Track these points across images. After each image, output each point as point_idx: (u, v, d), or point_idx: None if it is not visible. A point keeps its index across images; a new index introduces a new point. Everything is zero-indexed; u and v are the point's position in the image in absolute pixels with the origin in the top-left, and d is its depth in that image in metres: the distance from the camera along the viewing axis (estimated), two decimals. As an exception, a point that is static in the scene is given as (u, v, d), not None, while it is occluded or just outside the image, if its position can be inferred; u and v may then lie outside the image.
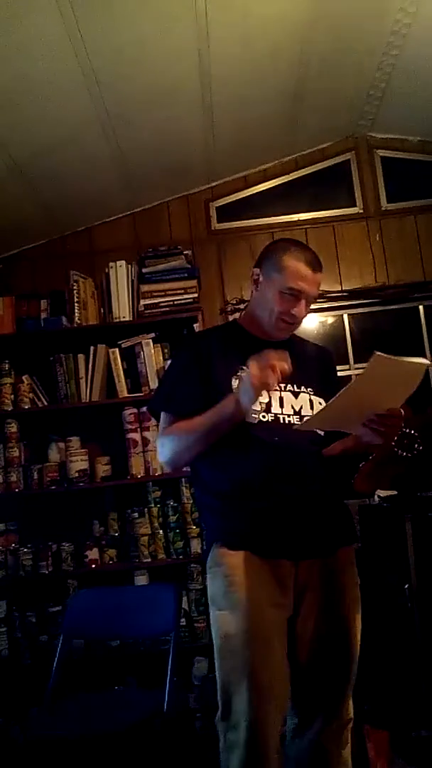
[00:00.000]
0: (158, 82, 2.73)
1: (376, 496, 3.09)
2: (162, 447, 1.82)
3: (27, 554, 3.23)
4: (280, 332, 1.88)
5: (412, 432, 2.95)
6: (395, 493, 2.98)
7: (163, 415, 1.84)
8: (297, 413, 1.82)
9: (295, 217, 3.79)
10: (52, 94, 2.58)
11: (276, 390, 1.78)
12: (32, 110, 2.64)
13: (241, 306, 3.43)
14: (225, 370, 1.79)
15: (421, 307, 3.78)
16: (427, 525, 2.75)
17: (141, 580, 3.23)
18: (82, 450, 3.31)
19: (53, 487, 3.28)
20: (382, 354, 1.53)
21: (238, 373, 1.76)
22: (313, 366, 1.97)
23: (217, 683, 1.67)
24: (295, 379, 1.82)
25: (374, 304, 3.75)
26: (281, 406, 1.81)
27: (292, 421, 1.80)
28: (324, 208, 3.81)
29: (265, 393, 1.71)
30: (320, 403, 1.84)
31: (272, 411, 1.79)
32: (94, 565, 3.23)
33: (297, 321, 1.86)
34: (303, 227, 3.76)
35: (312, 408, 1.83)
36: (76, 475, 3.26)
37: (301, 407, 1.82)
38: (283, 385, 1.81)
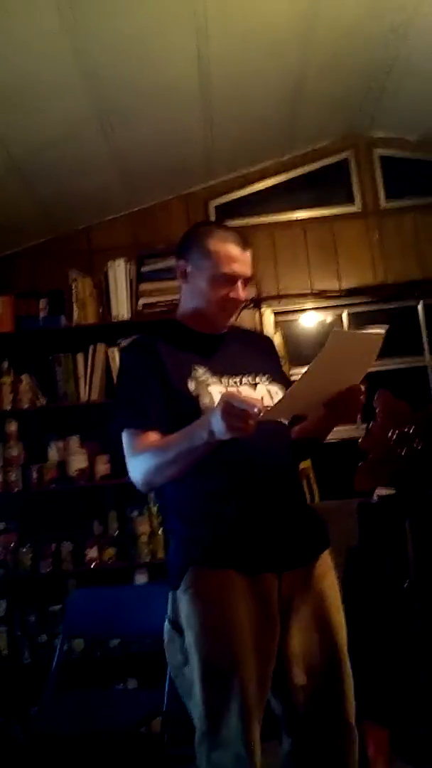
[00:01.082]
0: (157, 80, 2.72)
1: (375, 495, 3.09)
2: (132, 470, 1.65)
3: (27, 553, 3.23)
4: (223, 320, 1.79)
5: (411, 430, 2.95)
6: (394, 491, 2.98)
7: (127, 433, 1.66)
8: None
9: (293, 215, 3.79)
10: (49, 92, 2.58)
11: (234, 385, 1.70)
12: (30, 108, 2.63)
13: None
14: (178, 374, 1.68)
15: (419, 305, 3.79)
16: (426, 523, 2.76)
17: (141, 578, 3.23)
18: (82, 449, 3.31)
19: (53, 486, 3.28)
20: (340, 330, 1.50)
21: (192, 374, 1.67)
22: (260, 354, 1.89)
23: (197, 706, 1.56)
24: (250, 369, 1.77)
25: (373, 302, 3.75)
26: None
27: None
28: (323, 207, 3.81)
29: (224, 390, 1.65)
30: (278, 392, 1.75)
31: None
32: (93, 564, 3.22)
33: (238, 304, 1.77)
34: (302, 226, 3.76)
35: (272, 397, 1.74)
36: (76, 474, 3.26)
37: (263, 398, 1.72)
38: (239, 378, 1.73)
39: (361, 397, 1.63)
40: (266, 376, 1.79)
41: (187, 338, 1.78)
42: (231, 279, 1.72)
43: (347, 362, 1.54)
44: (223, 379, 1.70)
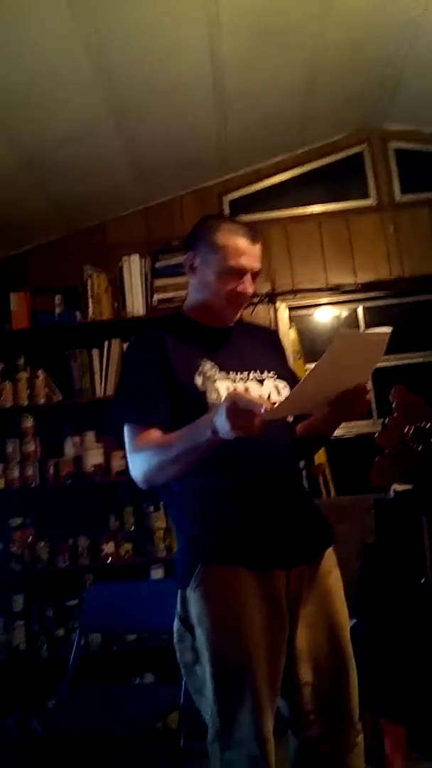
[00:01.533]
0: (170, 75, 2.72)
1: (391, 491, 3.08)
2: (133, 467, 1.63)
3: (44, 548, 3.25)
4: (231, 314, 1.77)
5: (428, 426, 2.93)
6: (411, 487, 2.97)
7: (129, 428, 1.65)
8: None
9: (308, 209, 3.77)
10: (63, 90, 2.58)
11: (241, 381, 1.70)
12: (44, 106, 2.64)
13: (255, 300, 3.40)
14: (185, 368, 1.67)
15: (436, 300, 3.76)
16: (443, 519, 2.74)
17: (157, 573, 3.24)
18: (98, 444, 3.33)
19: (69, 482, 3.30)
20: (346, 330, 1.50)
21: (200, 369, 1.67)
22: (266, 349, 1.88)
23: (208, 704, 1.56)
24: (257, 364, 1.76)
25: (389, 296, 3.73)
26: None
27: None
28: (337, 201, 3.79)
29: (231, 386, 1.65)
30: (285, 387, 1.75)
31: None
32: (110, 559, 3.24)
33: (246, 298, 1.76)
34: (317, 220, 3.74)
35: (279, 393, 1.73)
36: (92, 469, 3.28)
37: (270, 394, 1.71)
38: (246, 374, 1.73)
39: (367, 396, 1.62)
40: (273, 371, 1.78)
41: (193, 332, 1.77)
42: (239, 272, 1.71)
43: (353, 362, 1.54)
44: (230, 375, 1.70)
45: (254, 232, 1.76)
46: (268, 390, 1.73)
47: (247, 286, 1.73)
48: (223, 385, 1.66)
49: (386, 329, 1.52)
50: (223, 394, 1.63)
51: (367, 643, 2.85)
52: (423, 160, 3.78)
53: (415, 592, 2.73)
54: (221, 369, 1.70)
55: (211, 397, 1.63)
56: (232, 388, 1.66)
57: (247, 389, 1.68)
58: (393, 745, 2.54)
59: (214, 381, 1.66)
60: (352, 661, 1.68)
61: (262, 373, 1.76)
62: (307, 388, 1.53)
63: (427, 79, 3.22)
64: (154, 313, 3.32)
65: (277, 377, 1.78)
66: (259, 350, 1.84)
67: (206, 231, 1.76)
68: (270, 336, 2.04)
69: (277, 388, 1.75)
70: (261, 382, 1.74)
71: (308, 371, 1.49)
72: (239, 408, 1.37)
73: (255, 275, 1.75)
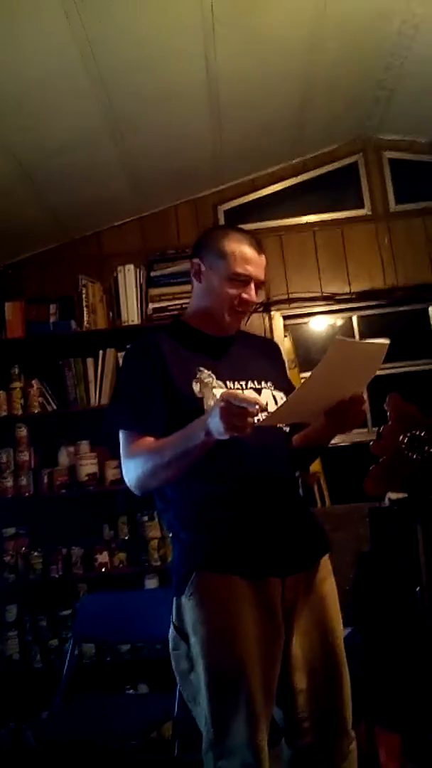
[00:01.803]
0: (165, 85, 2.73)
1: (386, 499, 3.08)
2: (127, 473, 1.65)
3: (37, 558, 3.24)
4: (233, 322, 1.78)
5: (423, 434, 2.93)
6: (406, 495, 2.97)
7: (124, 435, 1.67)
8: (263, 410, 1.58)
9: (303, 219, 3.79)
10: (58, 99, 2.59)
11: (238, 389, 1.70)
12: (39, 115, 2.65)
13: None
14: (182, 375, 1.67)
15: (430, 309, 3.78)
16: (438, 527, 2.74)
17: (151, 583, 3.23)
18: (92, 453, 3.32)
19: (63, 491, 3.29)
20: (343, 338, 1.49)
21: (197, 376, 1.67)
22: (265, 360, 1.89)
23: (203, 713, 1.55)
24: (254, 374, 1.76)
25: (383, 305, 3.75)
26: None
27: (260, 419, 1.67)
28: (332, 211, 3.80)
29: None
30: (282, 398, 1.75)
31: None
32: (104, 569, 3.22)
33: (249, 307, 1.77)
34: (311, 229, 3.76)
35: (276, 404, 1.73)
36: (86, 478, 3.27)
37: (267, 404, 1.68)
38: (244, 383, 1.73)
39: (363, 406, 1.62)
40: (271, 382, 1.79)
41: (193, 339, 1.78)
42: (245, 279, 1.73)
43: (349, 371, 1.54)
44: (228, 383, 1.70)
45: (259, 244, 1.79)
46: (265, 399, 1.72)
47: (252, 293, 1.75)
48: (219, 393, 1.65)
49: (384, 341, 1.52)
50: None
51: (363, 651, 2.85)
52: (417, 170, 3.80)
53: (411, 601, 2.72)
54: (219, 377, 1.70)
55: (208, 404, 1.63)
56: None
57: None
58: (388, 754, 2.53)
59: (212, 388, 1.66)
60: (345, 669, 1.68)
61: (259, 383, 1.76)
62: (302, 395, 1.53)
63: (421, 90, 3.24)
64: (149, 323, 3.33)
65: (275, 388, 1.78)
66: (258, 360, 1.84)
67: (214, 238, 1.79)
68: (270, 347, 2.05)
69: (274, 398, 1.75)
70: (258, 391, 1.74)
71: (304, 379, 1.49)
72: (233, 407, 1.39)
73: (258, 285, 1.77)
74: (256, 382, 1.76)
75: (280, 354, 2.03)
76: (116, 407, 1.74)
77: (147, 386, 1.67)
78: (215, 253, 1.75)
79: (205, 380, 1.68)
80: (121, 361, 3.31)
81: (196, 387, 1.67)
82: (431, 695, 2.67)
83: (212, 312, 1.78)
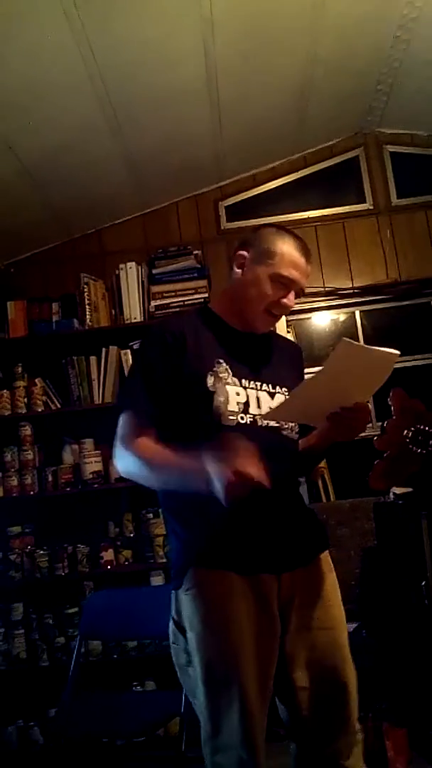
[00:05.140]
0: (165, 82, 2.73)
1: (391, 494, 3.07)
2: (119, 460, 1.68)
3: (43, 556, 3.24)
4: (263, 323, 1.77)
5: (427, 428, 2.93)
6: (410, 490, 2.97)
7: (126, 418, 1.69)
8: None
9: (304, 214, 3.78)
10: (59, 97, 2.60)
11: (252, 390, 1.70)
12: (40, 113, 2.65)
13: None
14: (199, 363, 1.67)
15: (433, 303, 3.77)
16: (443, 521, 2.74)
17: (157, 580, 3.23)
18: (96, 451, 3.32)
19: (68, 489, 3.29)
20: (350, 341, 1.48)
21: (214, 369, 1.66)
22: (286, 364, 1.87)
23: (201, 707, 1.56)
24: (271, 377, 1.75)
25: (386, 300, 3.74)
26: (258, 407, 1.70)
27: (269, 424, 1.69)
28: (334, 205, 3.80)
29: (242, 392, 1.66)
30: None
31: (250, 412, 1.68)
32: (109, 566, 3.23)
33: (285, 311, 1.77)
34: (313, 224, 3.75)
35: None
36: (91, 476, 3.27)
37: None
38: (258, 384, 1.72)
39: (366, 415, 1.62)
40: (286, 388, 1.77)
41: (217, 329, 1.76)
42: (288, 283, 1.72)
43: (355, 376, 1.52)
44: (242, 381, 1.69)
45: (309, 252, 1.79)
46: (277, 402, 1.73)
47: (291, 299, 1.74)
48: (232, 390, 1.65)
49: (393, 351, 1.50)
50: (231, 398, 1.64)
51: (369, 646, 2.85)
52: (418, 164, 3.79)
53: (416, 595, 2.72)
54: (235, 374, 1.69)
55: (219, 399, 1.63)
56: (242, 395, 1.67)
57: (258, 399, 1.70)
58: (395, 749, 2.53)
59: (226, 384, 1.66)
60: (349, 665, 1.67)
61: (274, 387, 1.75)
62: (306, 393, 1.53)
63: (421, 83, 3.23)
64: (152, 320, 3.32)
65: (289, 393, 1.77)
66: (278, 364, 1.83)
67: (268, 235, 1.78)
68: (293, 351, 2.02)
69: None
70: (272, 395, 1.74)
71: (308, 377, 1.48)
72: (237, 487, 1.38)
73: (297, 294, 1.77)
74: (270, 386, 1.75)
75: (302, 360, 2.00)
76: (126, 389, 1.81)
77: (158, 375, 1.67)
78: (265, 249, 1.74)
79: (221, 374, 1.66)
80: (123, 359, 3.34)
81: (210, 380, 1.65)
82: (438, 689, 2.67)
83: (245, 306, 1.76)
